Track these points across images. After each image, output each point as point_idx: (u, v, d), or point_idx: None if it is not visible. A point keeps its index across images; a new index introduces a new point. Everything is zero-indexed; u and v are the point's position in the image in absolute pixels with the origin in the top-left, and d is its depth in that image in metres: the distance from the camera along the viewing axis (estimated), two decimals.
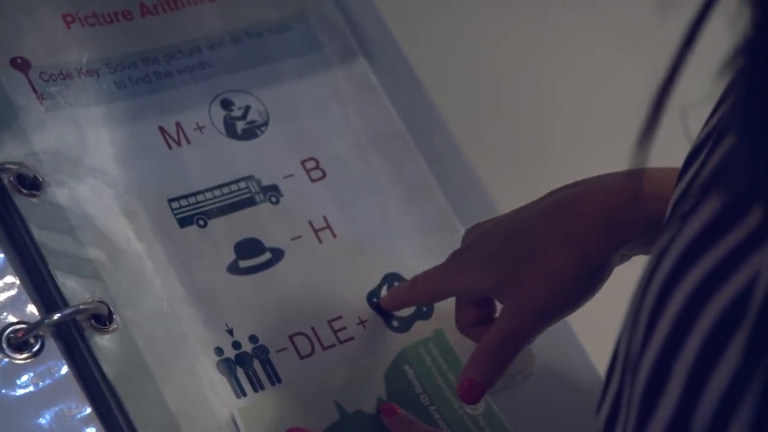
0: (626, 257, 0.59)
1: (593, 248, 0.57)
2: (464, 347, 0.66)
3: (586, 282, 0.58)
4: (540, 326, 0.59)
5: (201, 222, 0.66)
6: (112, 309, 0.59)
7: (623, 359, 0.42)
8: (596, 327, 0.69)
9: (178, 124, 0.68)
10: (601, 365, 0.68)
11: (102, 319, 0.59)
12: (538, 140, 1.25)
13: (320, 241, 0.68)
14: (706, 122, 0.46)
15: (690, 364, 0.36)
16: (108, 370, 0.58)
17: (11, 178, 0.60)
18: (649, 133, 0.37)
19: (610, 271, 0.59)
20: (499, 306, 0.62)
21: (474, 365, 0.59)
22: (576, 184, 0.60)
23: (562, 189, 0.61)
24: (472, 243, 0.62)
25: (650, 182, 0.57)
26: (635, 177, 0.57)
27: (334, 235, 0.69)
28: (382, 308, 0.67)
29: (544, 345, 0.67)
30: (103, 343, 0.58)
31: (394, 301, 0.67)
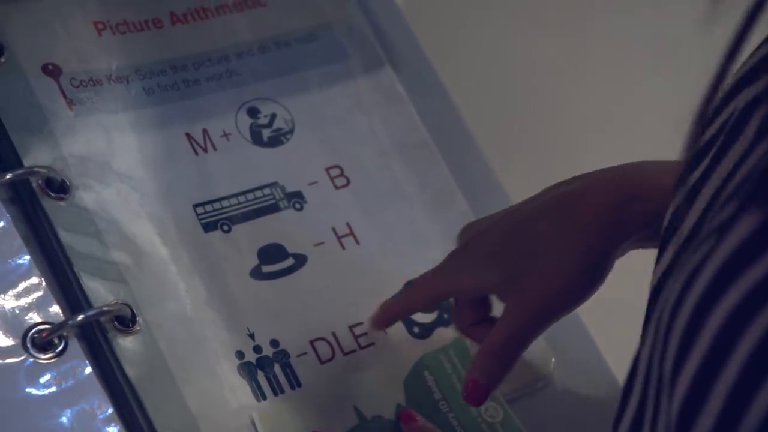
0: (626, 251, 0.59)
1: (595, 244, 0.57)
2: None
3: (589, 278, 0.58)
4: (543, 324, 0.59)
5: (225, 227, 0.67)
6: (135, 311, 0.60)
7: (645, 374, 0.42)
8: (615, 335, 0.69)
9: (204, 131, 0.69)
10: (620, 373, 0.68)
11: (125, 321, 0.60)
12: (563, 150, 1.25)
13: (343, 248, 0.69)
14: (712, 117, 0.45)
15: (731, 385, 0.35)
16: (130, 371, 0.59)
17: (39, 182, 0.61)
18: (694, 145, 0.36)
19: (612, 266, 0.58)
20: (496, 304, 0.62)
21: (478, 366, 0.59)
22: (572, 180, 0.60)
23: (557, 186, 0.60)
24: (470, 242, 0.61)
25: (650, 176, 0.57)
26: (635, 171, 0.57)
27: (358, 242, 0.69)
28: (375, 327, 0.66)
29: (563, 352, 0.67)
30: (125, 344, 0.59)
31: (388, 315, 0.65)
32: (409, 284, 0.65)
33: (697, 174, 0.44)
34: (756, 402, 0.34)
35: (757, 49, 0.44)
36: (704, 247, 0.38)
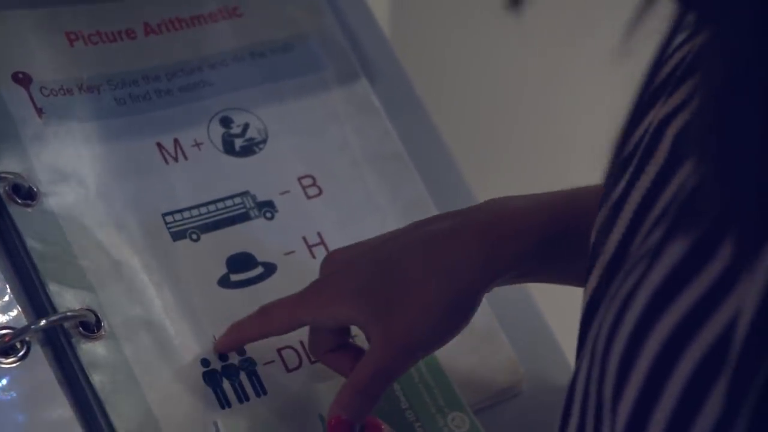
0: (493, 287, 0.59)
1: (465, 284, 0.57)
2: (452, 365, 0.66)
3: (458, 317, 0.58)
4: (410, 362, 0.59)
5: (194, 236, 0.67)
6: (100, 317, 0.61)
7: (583, 396, 0.42)
8: None
9: (176, 141, 0.69)
10: None
11: (90, 327, 0.60)
12: (538, 163, 1.25)
13: (314, 257, 0.69)
14: (623, 141, 0.44)
15: (670, 414, 0.35)
16: (93, 376, 0.59)
17: (6, 188, 0.62)
18: (614, 161, 0.36)
19: (479, 304, 0.58)
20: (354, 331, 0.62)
21: (342, 402, 0.58)
22: (441, 219, 0.60)
23: (428, 222, 0.60)
24: (337, 272, 0.60)
25: (517, 215, 0.57)
26: (502, 210, 0.57)
27: (328, 252, 0.69)
28: (220, 351, 0.63)
29: (531, 362, 0.67)
30: (89, 349, 0.60)
31: (239, 337, 0.63)
32: (263, 309, 0.63)
33: (618, 191, 0.44)
34: (695, 428, 0.34)
35: (668, 60, 0.44)
36: (636, 273, 0.38)
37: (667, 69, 0.43)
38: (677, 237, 0.36)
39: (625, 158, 0.44)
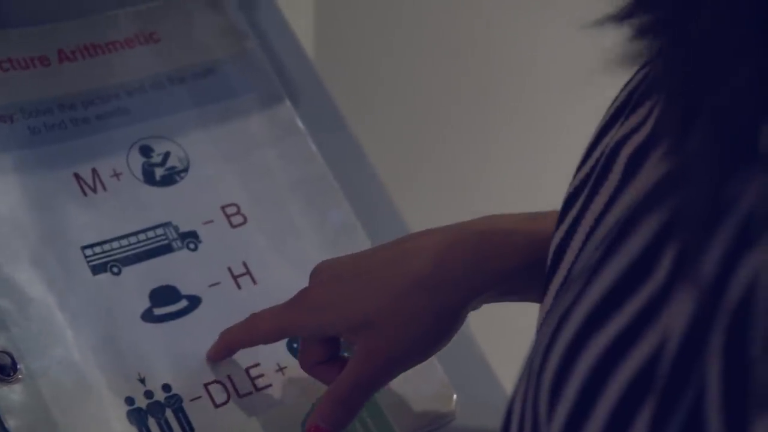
0: (480, 306, 0.59)
1: (450, 301, 0.57)
2: (384, 393, 0.65)
3: (440, 332, 0.58)
4: (391, 374, 0.59)
5: (115, 269, 0.65)
6: (16, 359, 0.58)
7: (520, 415, 0.41)
8: (518, 369, 0.68)
9: (94, 171, 0.67)
10: None
11: (5, 370, 0.58)
12: (467, 185, 1.24)
13: (239, 288, 0.67)
14: (583, 162, 0.45)
15: (600, 429, 0.35)
16: (9, 421, 0.56)
17: None
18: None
19: (464, 320, 0.59)
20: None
21: (322, 412, 0.59)
22: (430, 233, 0.59)
23: (415, 237, 0.60)
24: (325, 282, 0.60)
25: (502, 233, 0.57)
26: (488, 228, 0.57)
27: (255, 282, 0.68)
28: (213, 358, 0.64)
29: (465, 389, 0.66)
30: (4, 394, 0.57)
31: (230, 345, 0.63)
32: (253, 316, 0.63)
33: (574, 212, 0.44)
34: None
35: (624, 86, 0.44)
36: (573, 291, 0.38)
37: (626, 91, 0.43)
38: (615, 256, 0.36)
39: (582, 180, 0.43)
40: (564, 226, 0.44)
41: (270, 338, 0.62)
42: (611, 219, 0.39)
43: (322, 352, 0.61)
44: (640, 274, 0.35)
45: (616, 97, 0.44)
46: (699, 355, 0.32)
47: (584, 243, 0.42)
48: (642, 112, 0.41)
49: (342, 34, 1.20)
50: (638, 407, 0.34)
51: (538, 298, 0.60)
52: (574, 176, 0.44)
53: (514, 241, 0.57)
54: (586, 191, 0.43)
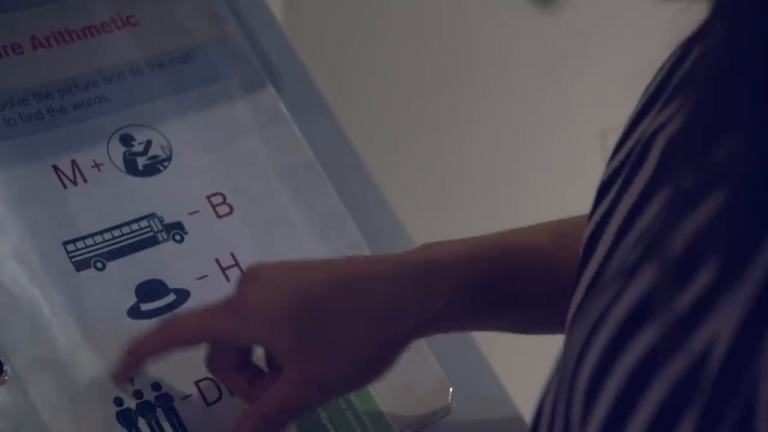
0: (421, 338, 0.58)
1: (393, 333, 0.56)
2: (380, 389, 0.63)
3: (381, 364, 0.56)
4: (322, 400, 0.57)
5: (99, 265, 0.62)
6: (1, 359, 0.56)
7: (549, 420, 0.40)
8: (516, 366, 0.67)
9: (73, 162, 0.65)
10: (520, 403, 0.66)
11: None
12: (453, 171, 1.23)
13: (228, 280, 0.65)
14: (616, 150, 0.44)
15: None
16: None
17: None
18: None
19: (401, 353, 0.57)
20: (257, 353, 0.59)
21: (245, 428, 0.56)
22: (378, 260, 0.58)
23: (362, 262, 0.58)
24: (265, 292, 0.56)
25: (451, 265, 0.56)
26: (436, 261, 0.56)
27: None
28: (118, 378, 0.58)
29: (461, 382, 0.65)
30: None
31: (140, 354, 0.58)
32: (172, 317, 0.59)
33: (606, 203, 0.42)
34: None
35: (660, 69, 0.42)
36: (609, 293, 0.37)
37: (661, 74, 0.42)
38: (649, 263, 0.34)
39: (616, 168, 0.42)
40: (596, 217, 0.42)
41: (189, 342, 0.58)
42: (648, 214, 0.38)
43: (235, 358, 0.58)
44: (683, 276, 0.34)
45: (652, 81, 0.42)
46: (749, 361, 0.30)
47: (617, 236, 0.40)
48: (679, 101, 0.39)
49: (314, 18, 1.18)
50: (681, 414, 0.33)
51: (492, 328, 0.59)
52: (608, 164, 0.43)
53: (462, 273, 0.55)
54: (619, 181, 0.41)
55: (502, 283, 0.56)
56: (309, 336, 0.55)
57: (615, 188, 0.42)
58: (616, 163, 0.43)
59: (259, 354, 0.60)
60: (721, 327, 0.32)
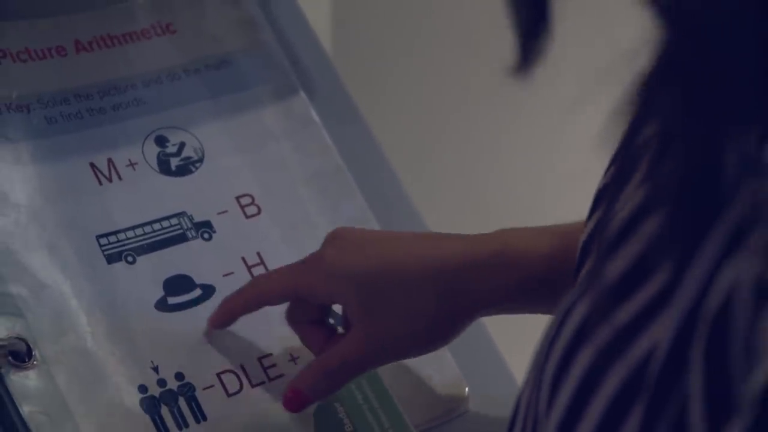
0: (484, 315, 0.60)
1: (458, 308, 0.58)
2: (396, 385, 0.65)
3: (441, 336, 0.59)
4: (381, 362, 0.60)
5: (129, 258, 0.65)
6: (31, 345, 0.59)
7: (525, 411, 0.42)
8: (530, 361, 0.68)
9: (110, 160, 0.67)
10: None
11: (20, 356, 0.58)
12: (479, 178, 1.24)
13: (253, 277, 0.68)
14: (614, 158, 0.45)
15: (593, 428, 0.36)
16: (24, 407, 0.57)
17: None
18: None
19: (466, 328, 0.60)
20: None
21: (306, 379, 0.60)
22: (454, 238, 0.60)
23: (439, 237, 0.60)
24: (344, 250, 0.60)
25: (522, 252, 0.58)
26: (508, 246, 0.58)
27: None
28: (214, 326, 0.63)
29: (477, 380, 0.66)
30: (19, 380, 0.58)
31: (233, 310, 0.63)
32: (257, 277, 0.63)
33: (598, 213, 0.44)
34: None
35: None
36: (578, 289, 0.39)
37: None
38: (615, 260, 0.36)
39: (612, 176, 0.44)
40: (591, 223, 0.44)
41: (277, 298, 0.62)
42: (619, 218, 0.40)
43: (312, 314, 0.62)
44: (637, 279, 0.36)
45: None
46: (684, 362, 0.32)
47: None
48: None
49: (359, 27, 1.20)
50: (629, 409, 0.35)
51: (541, 311, 0.61)
52: (605, 173, 0.44)
53: (527, 258, 0.57)
54: (613, 189, 0.43)
55: (566, 272, 0.58)
56: (378, 297, 0.58)
57: (609, 196, 0.43)
58: (612, 171, 0.44)
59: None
60: (661, 330, 0.34)
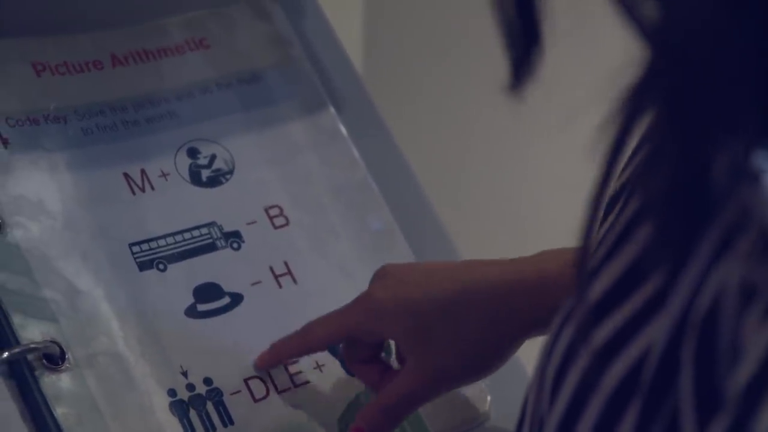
0: (534, 337, 0.61)
1: (507, 331, 0.60)
2: None
3: (493, 360, 0.61)
4: (440, 392, 0.61)
5: (161, 266, 0.67)
6: (64, 349, 0.61)
7: (531, 416, 0.43)
8: None
9: (143, 171, 0.69)
10: None
11: (54, 359, 0.60)
12: (504, 192, 1.25)
13: (280, 287, 0.69)
14: (625, 166, 0.46)
15: (590, 430, 0.37)
16: (57, 409, 0.59)
17: None
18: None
19: (517, 350, 0.61)
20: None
21: (368, 417, 0.61)
22: (497, 264, 0.61)
23: (482, 264, 0.61)
24: (390, 287, 0.62)
25: (568, 272, 0.59)
26: (553, 266, 0.59)
27: (295, 281, 0.70)
28: (259, 367, 0.65)
29: (499, 390, 0.67)
30: (53, 382, 0.59)
31: (281, 354, 0.65)
32: (309, 325, 0.65)
33: (611, 217, 0.45)
34: None
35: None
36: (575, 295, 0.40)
37: None
38: (612, 263, 0.38)
39: (623, 183, 0.45)
40: (602, 230, 0.45)
41: (331, 340, 0.64)
42: (611, 235, 0.41)
43: (367, 352, 0.64)
44: (633, 283, 0.37)
45: None
46: (677, 363, 0.34)
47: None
48: None
49: (389, 43, 1.22)
50: (625, 408, 0.36)
51: None
52: (620, 176, 0.45)
53: (564, 283, 0.59)
54: (624, 196, 0.44)
55: None
56: (427, 329, 0.60)
57: (619, 204, 0.44)
58: (623, 179, 0.45)
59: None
60: (656, 331, 0.36)
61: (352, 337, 0.63)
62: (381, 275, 0.63)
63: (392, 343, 0.65)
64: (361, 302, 0.62)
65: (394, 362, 0.65)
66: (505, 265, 0.61)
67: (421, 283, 0.61)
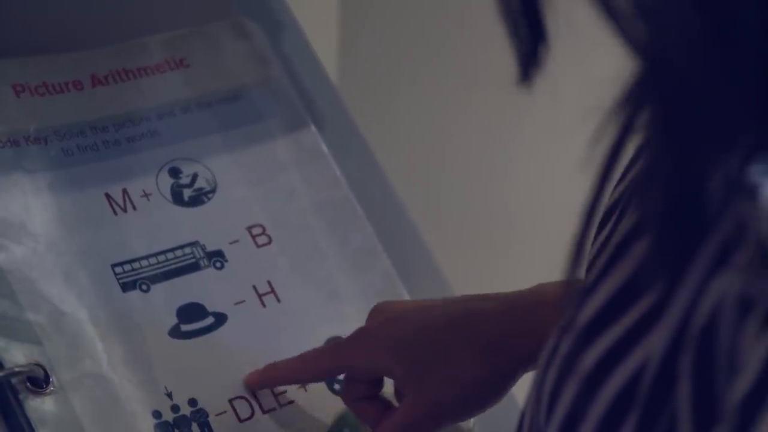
0: (530, 371, 0.61)
1: (503, 364, 0.60)
2: None
3: (490, 394, 0.60)
4: (437, 426, 0.61)
5: (144, 287, 0.67)
6: (48, 372, 0.60)
7: (529, 426, 0.43)
8: None
9: (124, 191, 0.69)
10: None
11: (38, 382, 0.60)
12: (487, 210, 1.26)
13: (264, 306, 0.69)
14: (621, 178, 0.46)
15: None
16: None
17: None
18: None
19: (515, 383, 0.61)
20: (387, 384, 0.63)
21: None
22: (490, 298, 0.61)
23: (476, 299, 0.62)
24: (384, 323, 0.62)
25: (555, 304, 0.59)
26: (546, 298, 0.59)
27: (278, 300, 0.70)
28: (249, 385, 0.65)
29: (485, 413, 0.68)
30: (37, 406, 0.59)
31: (275, 379, 0.65)
32: (304, 354, 0.65)
33: (606, 231, 0.45)
34: None
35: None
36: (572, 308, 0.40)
37: None
38: (609, 278, 0.38)
39: (618, 197, 0.45)
40: (596, 244, 0.45)
41: (324, 375, 0.64)
42: (608, 249, 0.41)
43: (364, 390, 0.63)
44: (630, 296, 0.37)
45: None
46: (675, 375, 0.34)
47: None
48: None
49: (366, 59, 1.23)
50: (623, 420, 0.36)
51: None
52: (612, 192, 0.46)
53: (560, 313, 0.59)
54: (618, 211, 0.44)
55: None
56: (424, 364, 0.60)
57: (614, 217, 0.45)
58: (619, 190, 0.45)
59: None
60: (653, 344, 0.36)
61: (347, 374, 0.63)
62: (376, 312, 0.63)
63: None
64: (355, 338, 0.62)
65: (393, 399, 0.65)
66: (501, 299, 0.61)
67: (416, 320, 0.61)
